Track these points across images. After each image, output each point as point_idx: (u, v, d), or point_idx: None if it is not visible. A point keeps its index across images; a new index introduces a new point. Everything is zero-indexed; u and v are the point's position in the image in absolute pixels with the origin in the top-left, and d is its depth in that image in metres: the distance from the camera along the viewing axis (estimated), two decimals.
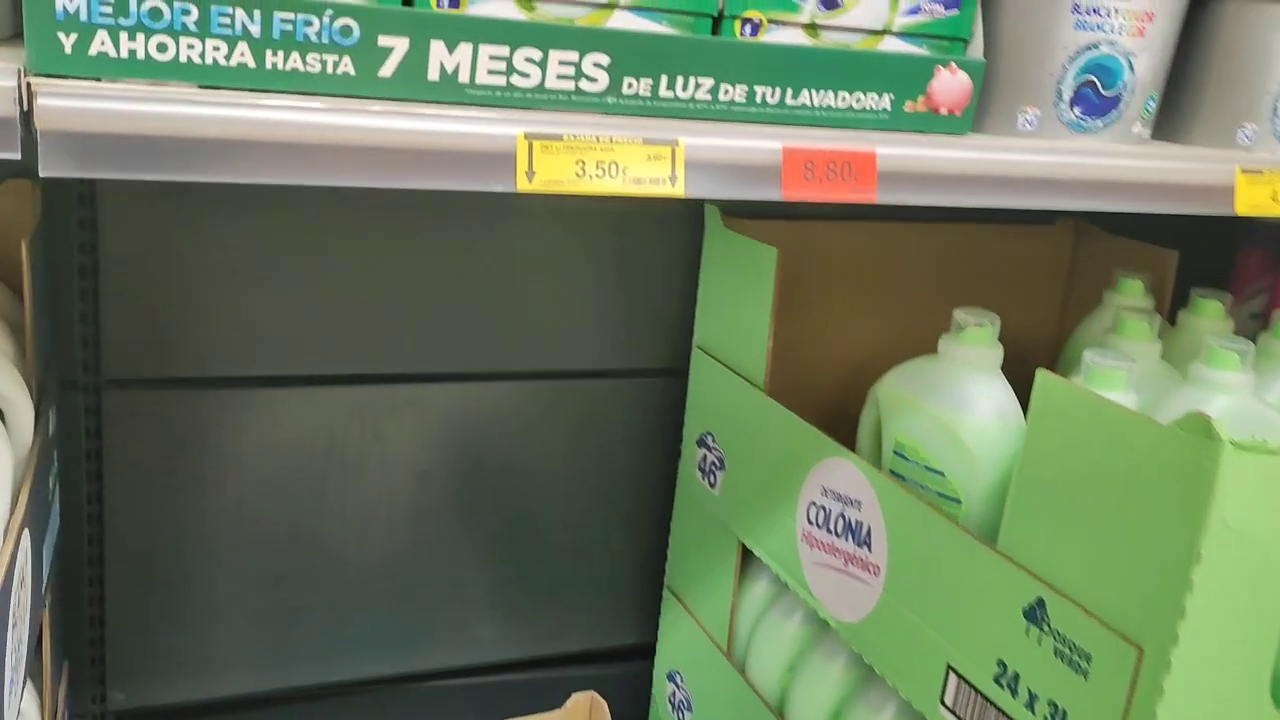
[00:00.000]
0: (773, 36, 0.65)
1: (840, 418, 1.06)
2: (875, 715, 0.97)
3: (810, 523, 1.01)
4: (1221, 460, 0.66)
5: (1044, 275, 1.28)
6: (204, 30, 0.52)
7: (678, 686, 1.25)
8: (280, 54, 0.54)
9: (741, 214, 1.14)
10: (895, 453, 0.95)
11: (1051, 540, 0.77)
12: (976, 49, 0.70)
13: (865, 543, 0.94)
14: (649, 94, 0.62)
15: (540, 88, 0.60)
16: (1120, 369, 0.84)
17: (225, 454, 1.08)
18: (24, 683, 0.71)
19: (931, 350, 0.93)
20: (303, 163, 0.54)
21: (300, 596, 1.15)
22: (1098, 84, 0.73)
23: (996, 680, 0.81)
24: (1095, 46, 0.71)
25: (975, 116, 0.74)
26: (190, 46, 0.52)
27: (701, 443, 1.18)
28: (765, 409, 1.05)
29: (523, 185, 0.58)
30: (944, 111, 0.70)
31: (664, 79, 0.62)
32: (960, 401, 0.91)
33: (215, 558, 1.11)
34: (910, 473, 0.94)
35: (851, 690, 0.99)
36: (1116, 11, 0.70)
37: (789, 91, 0.65)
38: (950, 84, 0.68)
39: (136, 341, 1.02)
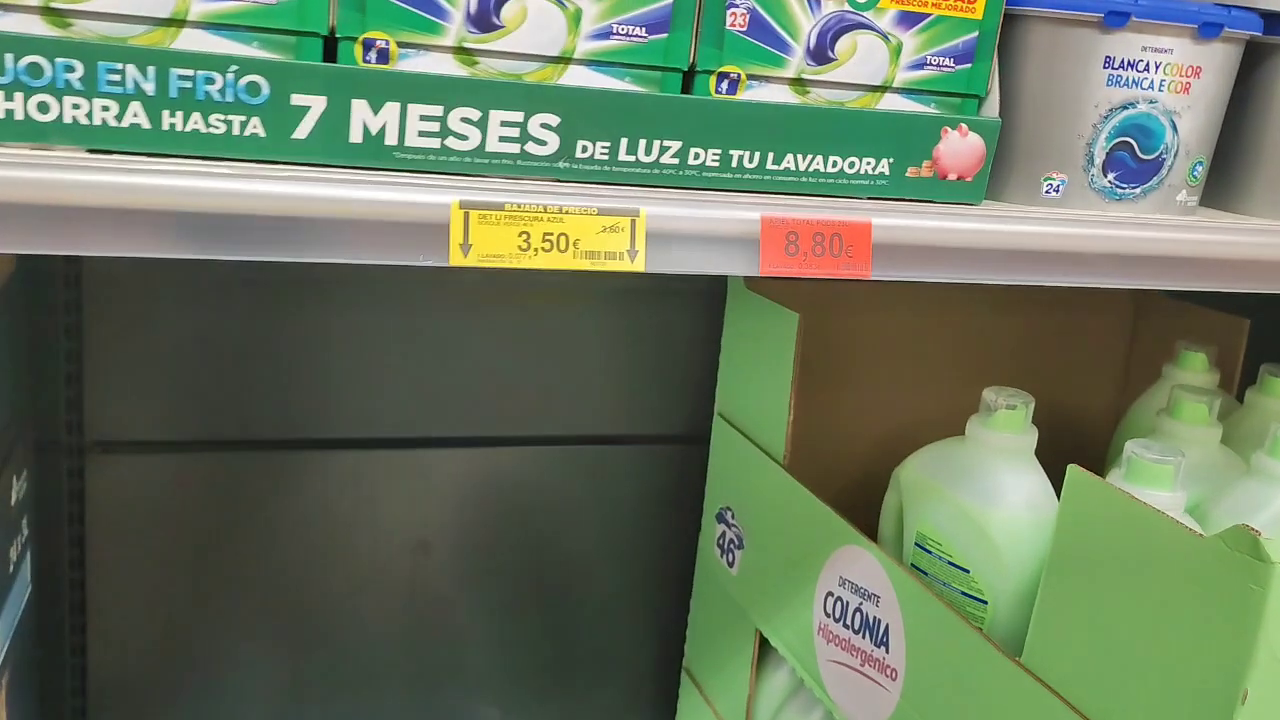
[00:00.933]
0: (754, 94, 0.58)
1: (869, 498, 0.98)
2: None
3: (827, 615, 0.92)
4: (1271, 584, 0.57)
5: (1102, 344, 1.19)
6: (91, 89, 0.46)
7: None
8: (179, 115, 0.48)
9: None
10: (917, 544, 0.87)
11: (1079, 658, 0.68)
12: (992, 108, 0.62)
13: (883, 642, 0.85)
14: (606, 158, 0.55)
15: (480, 150, 0.53)
16: (1167, 464, 0.75)
17: (212, 519, 1.03)
18: None
19: None
20: (203, 234, 0.48)
21: (295, 671, 1.10)
22: (1135, 146, 0.64)
23: None
24: (1132, 105, 0.63)
25: (994, 183, 0.66)
26: (76, 106, 0.47)
27: (721, 518, 1.10)
28: (783, 485, 0.97)
29: (456, 259, 0.51)
30: (953, 177, 0.62)
31: (624, 141, 0.55)
32: (988, 492, 0.82)
33: (203, 628, 1.06)
34: (933, 567, 0.85)
35: None
36: (1157, 66, 0.62)
37: (770, 155, 0.58)
38: (959, 147, 0.60)
39: (121, 404, 0.98)
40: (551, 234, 0.53)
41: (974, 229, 0.60)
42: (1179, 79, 0.63)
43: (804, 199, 0.59)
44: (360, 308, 1.02)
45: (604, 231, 0.54)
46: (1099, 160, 0.64)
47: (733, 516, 1.08)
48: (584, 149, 0.55)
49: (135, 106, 0.48)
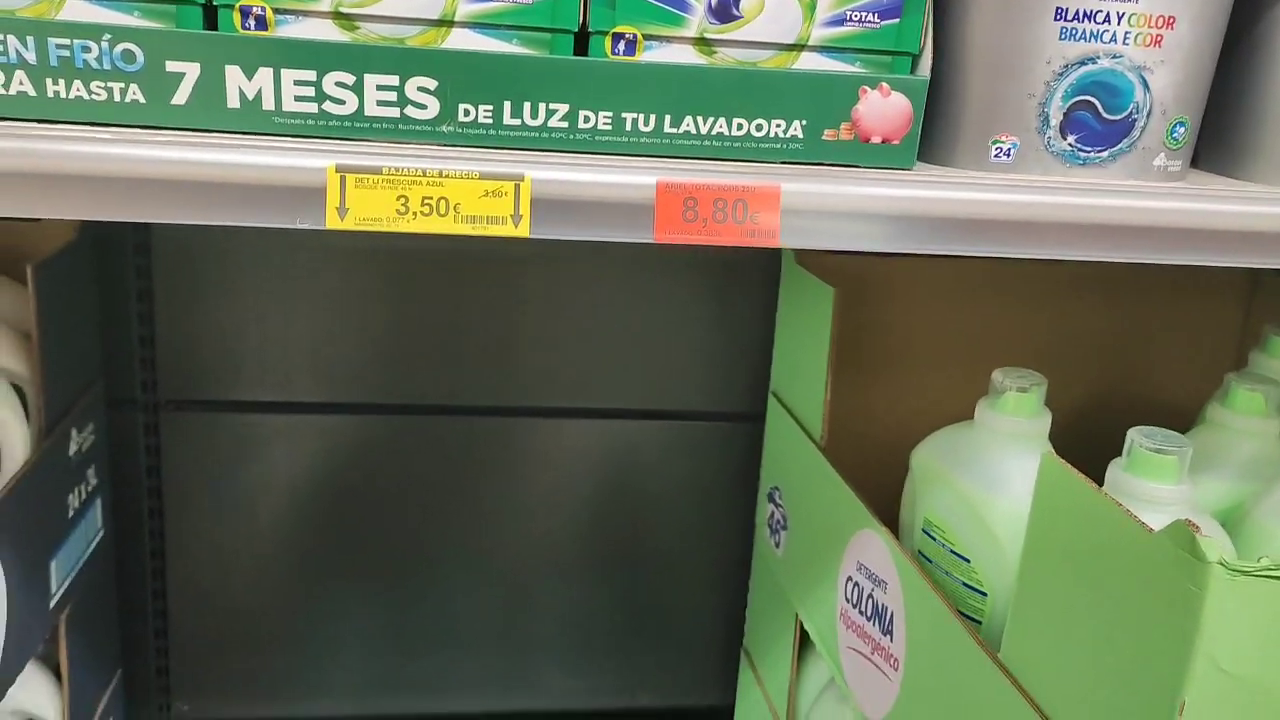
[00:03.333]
0: (654, 55, 0.57)
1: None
2: None
3: (847, 600, 0.90)
4: (1209, 586, 0.52)
5: (1205, 327, 1.09)
6: None
7: None
8: (62, 82, 0.51)
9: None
10: (924, 530, 0.83)
11: (1049, 658, 0.64)
12: (925, 66, 0.58)
13: (889, 630, 0.82)
14: (491, 121, 0.55)
15: (359, 115, 0.54)
16: (1170, 454, 0.69)
17: (279, 476, 1.09)
18: None
19: None
20: (88, 196, 0.51)
21: (352, 624, 1.15)
22: (1098, 106, 0.59)
23: None
24: (1092, 60, 0.58)
25: (942, 148, 0.62)
26: None
27: (771, 498, 1.08)
28: (817, 466, 0.95)
29: (333, 222, 0.53)
30: (876, 140, 0.58)
31: (507, 105, 0.55)
32: (992, 480, 0.78)
33: (272, 579, 1.12)
34: (937, 555, 0.81)
35: None
36: (1120, 17, 0.57)
37: (667, 118, 0.56)
38: (881, 107, 0.57)
39: (191, 365, 1.04)
40: (431, 198, 0.53)
41: (896, 195, 0.56)
42: (1148, 30, 0.57)
43: (710, 164, 0.58)
44: (437, 275, 1.05)
45: (486, 196, 0.54)
46: (1055, 121, 0.59)
47: (780, 497, 1.06)
48: (466, 113, 0.55)
49: (20, 75, 0.51)
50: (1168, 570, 0.54)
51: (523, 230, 0.54)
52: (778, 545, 1.06)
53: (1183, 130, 0.60)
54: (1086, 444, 0.78)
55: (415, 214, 0.53)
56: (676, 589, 1.20)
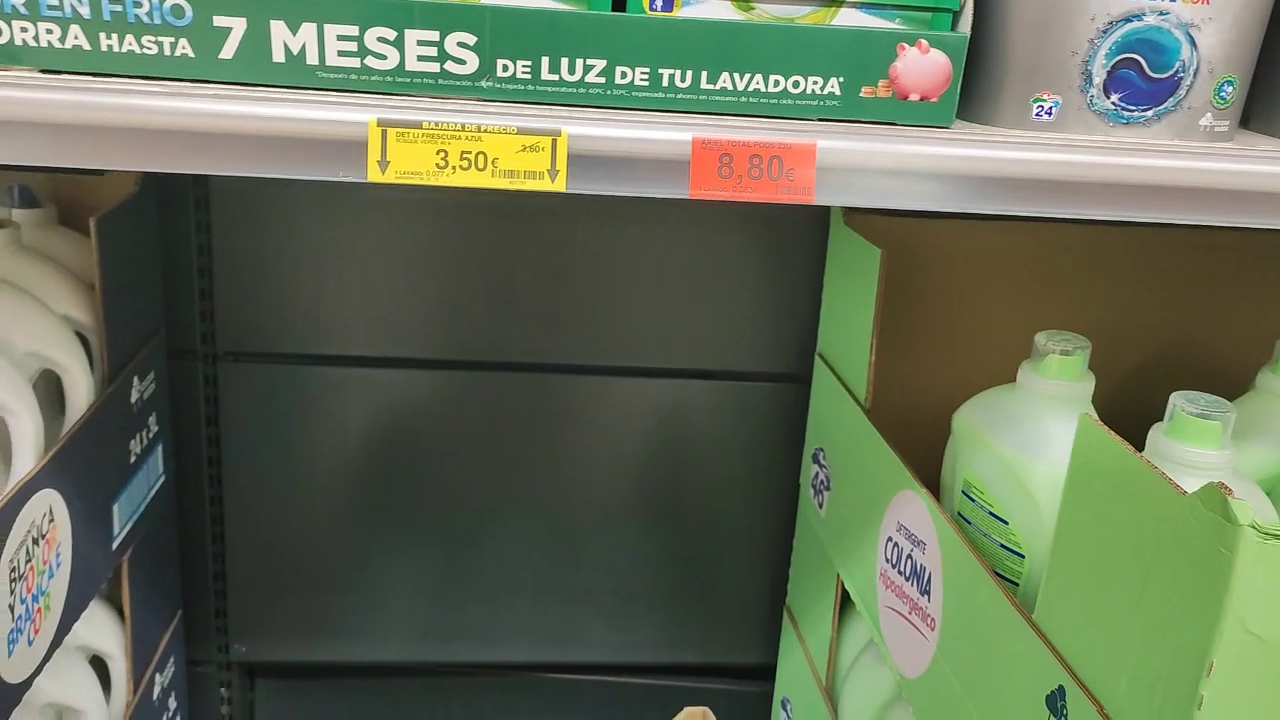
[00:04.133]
0: (692, 11, 0.57)
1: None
2: None
3: (887, 561, 0.90)
4: (1240, 548, 0.52)
5: (1261, 291, 1.07)
6: (34, 14, 0.52)
7: (788, 715, 1.16)
8: (114, 37, 0.53)
9: (873, 210, 1.04)
10: (964, 492, 0.83)
11: (1081, 618, 0.64)
12: (965, 22, 0.58)
13: (926, 590, 0.83)
14: (529, 77, 0.56)
15: (400, 70, 0.55)
16: (1213, 420, 0.68)
17: (334, 429, 1.11)
18: (49, 624, 0.76)
19: None
20: (139, 148, 0.53)
21: (403, 573, 1.18)
22: (1143, 64, 0.58)
23: None
24: (1137, 17, 0.57)
25: (983, 107, 0.61)
26: (24, 30, 0.52)
27: (815, 458, 1.09)
28: (861, 428, 0.95)
29: (374, 175, 0.54)
30: (915, 98, 0.58)
31: (545, 60, 0.56)
32: (1032, 443, 0.78)
33: (326, 527, 1.15)
34: (976, 516, 0.81)
35: None
36: None
37: (704, 74, 0.57)
38: (920, 65, 0.57)
39: (249, 318, 1.07)
40: (469, 152, 0.55)
41: (934, 153, 0.56)
42: None
43: (747, 120, 0.58)
44: (489, 231, 1.06)
45: (523, 151, 0.55)
46: (1099, 80, 0.59)
47: (824, 457, 1.06)
48: (505, 68, 0.56)
49: (75, 29, 0.53)
50: (1199, 532, 0.54)
51: (559, 185, 0.55)
52: (821, 506, 1.07)
53: (1231, 90, 0.59)
54: (1137, 412, 0.77)
55: (454, 168, 0.55)
56: (721, 548, 1.21)
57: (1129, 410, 0.81)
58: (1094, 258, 1.04)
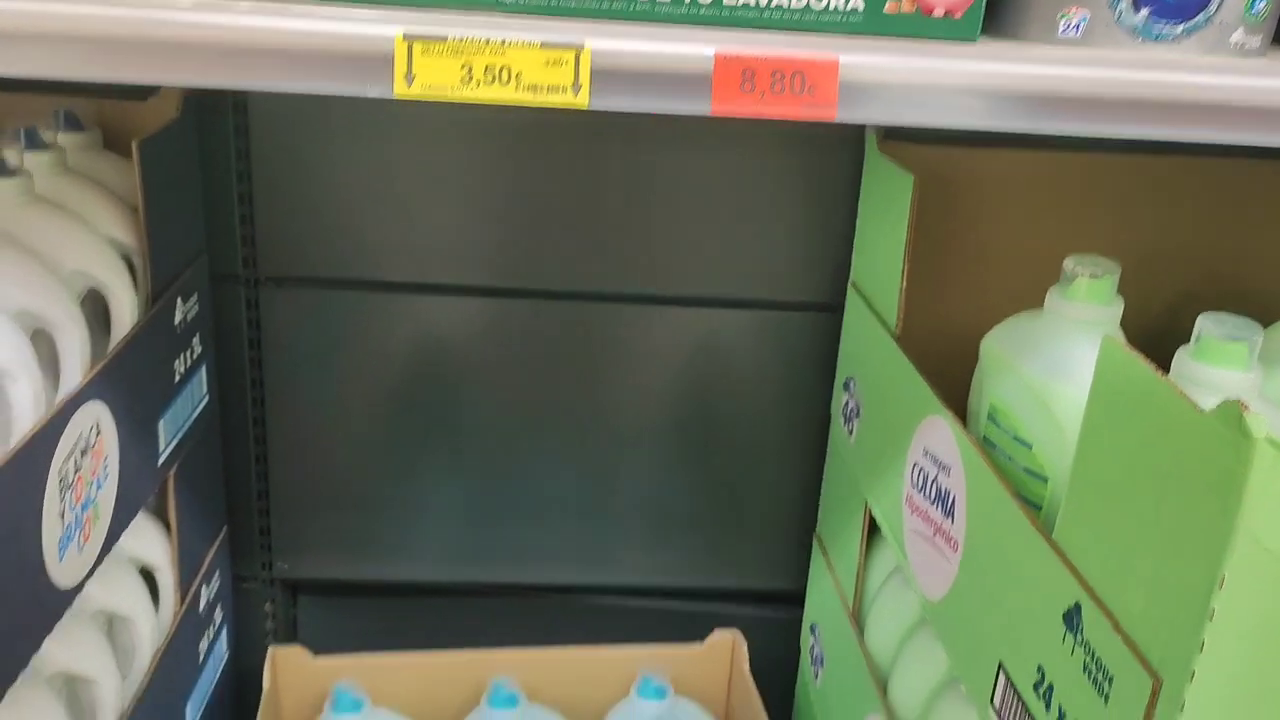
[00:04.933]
0: None
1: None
2: (968, 709, 0.87)
3: (912, 485, 0.91)
4: (1254, 462, 0.52)
5: None
6: None
7: (816, 640, 1.18)
8: None
9: (907, 137, 1.04)
10: (989, 417, 0.84)
11: (1098, 537, 0.65)
12: None
13: (950, 514, 0.84)
14: None
15: None
16: (1239, 341, 0.68)
17: (374, 353, 1.13)
18: (97, 536, 0.79)
19: None
20: (165, 61, 0.54)
21: (442, 496, 1.20)
22: None
23: (1035, 688, 0.70)
24: None
25: (1009, 23, 0.61)
26: None
27: (846, 387, 1.10)
28: (891, 355, 0.96)
29: (400, 90, 0.55)
30: (939, 13, 0.58)
31: None
32: (1057, 367, 0.78)
33: (367, 450, 1.18)
34: (1001, 441, 0.82)
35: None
36: None
37: None
38: None
39: (289, 243, 1.09)
40: (494, 66, 0.55)
41: (958, 68, 0.56)
42: None
43: (769, 35, 0.58)
44: (524, 155, 1.07)
45: (547, 65, 0.55)
46: None
47: (854, 386, 1.07)
48: None
49: None
50: (1214, 447, 0.54)
51: (582, 100, 0.56)
52: (850, 434, 1.08)
53: (1264, 5, 0.59)
54: (1168, 339, 0.77)
55: (479, 82, 0.55)
56: (753, 476, 1.23)
57: (1161, 337, 0.81)
58: (1126, 185, 1.03)
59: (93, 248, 0.86)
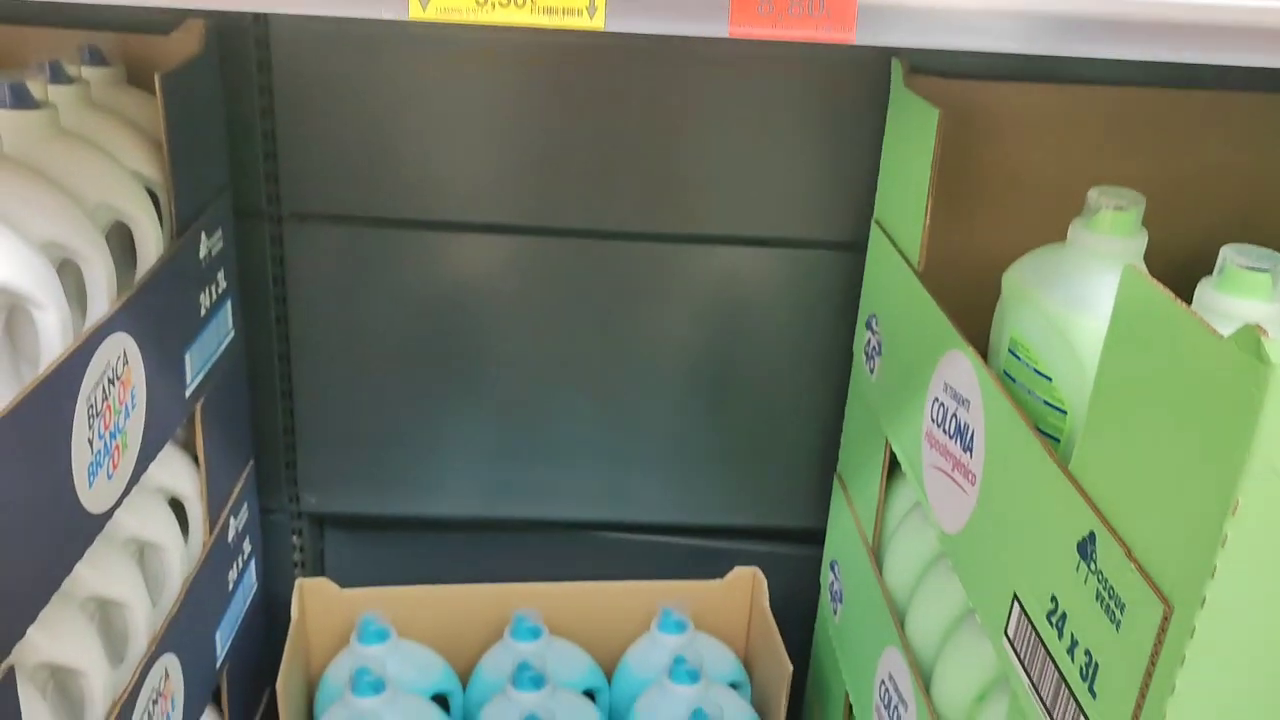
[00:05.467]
0: None
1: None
2: (984, 641, 0.87)
3: (932, 420, 0.91)
4: (1270, 387, 0.52)
5: None
6: None
7: (836, 577, 1.19)
8: None
9: (933, 71, 1.03)
10: (1010, 350, 0.83)
11: (1114, 466, 0.65)
12: None
13: (969, 447, 0.84)
14: None
15: None
16: (1263, 271, 0.67)
17: (398, 290, 1.14)
18: (130, 463, 0.81)
19: None
20: None
21: (466, 432, 1.21)
22: None
23: (1048, 617, 0.70)
24: None
25: None
26: None
27: (869, 325, 1.10)
28: (912, 290, 0.95)
29: (415, 13, 0.55)
30: None
31: None
32: (1078, 299, 0.78)
33: (391, 387, 1.19)
34: (1020, 374, 0.82)
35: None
36: None
37: None
38: None
39: (313, 180, 1.09)
40: None
41: None
42: None
43: None
44: (543, 90, 1.06)
45: None
46: None
47: (876, 324, 1.07)
48: None
49: None
50: (1231, 373, 0.54)
51: (598, 22, 0.56)
52: (872, 371, 1.08)
53: None
54: (1195, 274, 0.77)
55: (494, 5, 0.55)
56: (775, 415, 1.23)
57: (1186, 271, 0.80)
58: (1153, 120, 1.02)
59: (118, 180, 0.86)
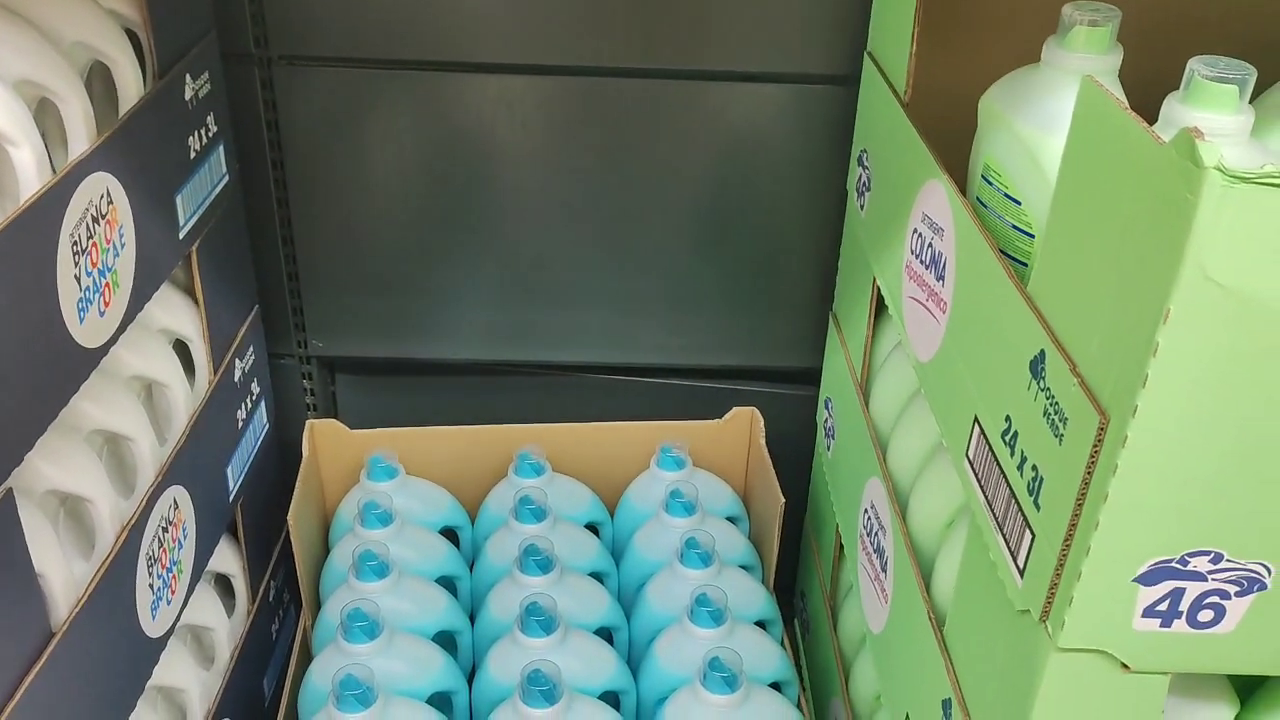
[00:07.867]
0: None
1: None
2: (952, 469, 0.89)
3: (911, 253, 0.91)
4: (1203, 192, 0.51)
5: None
6: None
7: (830, 414, 1.21)
8: None
9: None
10: (983, 176, 0.83)
11: (1066, 284, 0.65)
12: None
13: (942, 276, 0.84)
14: None
15: None
16: (1230, 82, 0.66)
17: (395, 133, 1.14)
18: (120, 303, 0.83)
19: None
20: None
21: (471, 276, 1.23)
22: None
23: (1003, 436, 0.72)
24: None
25: None
26: None
27: (860, 160, 1.09)
28: (898, 122, 0.94)
29: None
30: None
31: None
32: (1049, 119, 0.76)
33: (393, 231, 1.20)
34: (992, 200, 0.81)
35: None
36: None
37: None
38: None
39: (301, 21, 1.09)
40: None
41: None
42: None
43: None
44: None
45: None
46: None
47: (867, 159, 1.06)
48: None
49: None
50: (1167, 178, 0.53)
51: None
52: (862, 208, 1.07)
53: None
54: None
55: None
56: (772, 255, 1.23)
57: (1164, 89, 0.78)
58: None
59: (94, 18, 0.87)
